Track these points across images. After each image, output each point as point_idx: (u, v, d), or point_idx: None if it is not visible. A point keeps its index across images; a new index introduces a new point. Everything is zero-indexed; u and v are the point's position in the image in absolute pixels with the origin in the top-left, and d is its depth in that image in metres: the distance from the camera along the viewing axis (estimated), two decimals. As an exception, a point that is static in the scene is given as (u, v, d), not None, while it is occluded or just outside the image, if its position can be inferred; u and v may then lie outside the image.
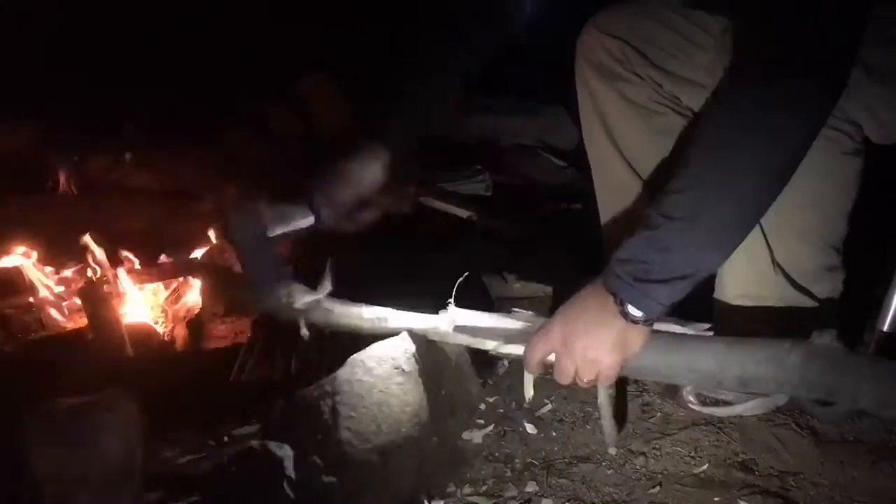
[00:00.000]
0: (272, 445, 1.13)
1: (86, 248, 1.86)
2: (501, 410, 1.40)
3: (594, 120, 1.46)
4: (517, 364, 1.52)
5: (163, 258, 1.98)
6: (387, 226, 2.01)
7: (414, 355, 1.25)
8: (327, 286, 1.28)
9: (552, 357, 1.08)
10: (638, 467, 1.24)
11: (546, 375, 1.11)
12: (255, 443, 1.19)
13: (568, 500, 1.17)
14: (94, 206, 2.02)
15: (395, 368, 1.23)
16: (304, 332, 1.27)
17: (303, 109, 2.91)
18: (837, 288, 1.32)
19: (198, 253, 2.00)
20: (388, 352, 1.25)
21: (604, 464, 1.25)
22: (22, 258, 1.86)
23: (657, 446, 1.28)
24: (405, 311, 1.25)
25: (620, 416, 1.33)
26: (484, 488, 1.21)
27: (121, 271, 1.88)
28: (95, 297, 1.73)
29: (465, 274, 1.21)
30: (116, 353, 1.65)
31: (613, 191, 1.52)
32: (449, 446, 1.27)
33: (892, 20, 1.10)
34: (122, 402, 1.24)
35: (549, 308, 1.74)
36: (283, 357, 1.62)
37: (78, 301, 1.78)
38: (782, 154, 0.95)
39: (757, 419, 1.32)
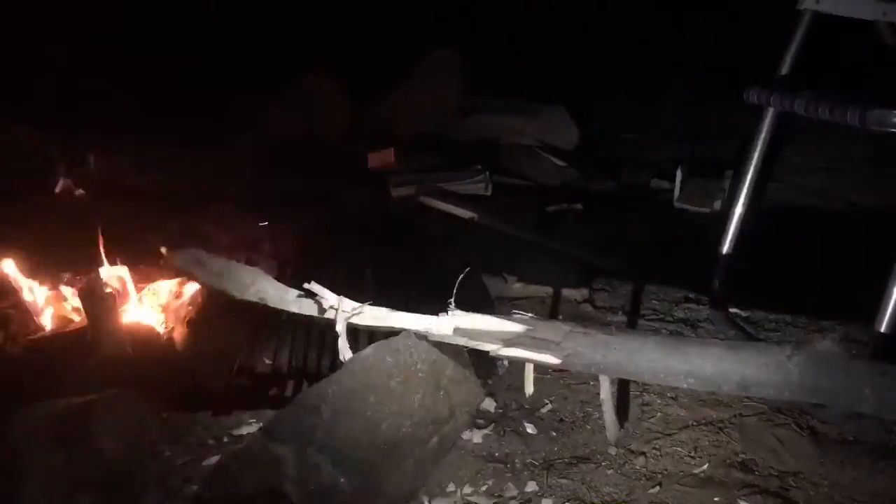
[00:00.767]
0: (272, 445, 1.13)
1: (86, 248, 1.86)
2: (501, 410, 1.40)
3: None
4: (517, 364, 1.52)
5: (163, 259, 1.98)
6: (386, 226, 2.02)
7: (413, 356, 1.25)
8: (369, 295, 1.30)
9: None
10: (638, 467, 1.24)
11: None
12: (255, 443, 1.19)
13: (568, 500, 1.17)
14: (94, 206, 2.01)
15: (395, 369, 1.22)
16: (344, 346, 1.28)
17: (303, 109, 2.91)
18: None
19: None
20: (389, 352, 1.25)
21: (604, 464, 1.25)
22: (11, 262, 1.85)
23: (657, 446, 1.28)
24: (403, 313, 1.26)
25: (622, 413, 1.33)
26: (484, 488, 1.21)
27: (121, 271, 1.88)
28: (95, 297, 1.73)
29: (466, 271, 1.21)
30: (116, 353, 1.65)
31: None
32: (449, 446, 1.27)
33: None
34: (122, 401, 1.24)
35: (549, 307, 1.74)
36: (284, 357, 1.62)
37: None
38: None
39: (757, 419, 1.32)
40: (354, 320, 1.28)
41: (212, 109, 2.63)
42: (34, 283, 1.83)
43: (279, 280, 1.48)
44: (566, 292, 1.77)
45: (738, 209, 1.59)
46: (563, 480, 1.21)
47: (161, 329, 1.83)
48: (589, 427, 1.34)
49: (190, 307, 1.87)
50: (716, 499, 1.16)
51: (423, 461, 1.20)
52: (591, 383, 1.46)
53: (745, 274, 1.64)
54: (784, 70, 1.54)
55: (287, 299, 1.35)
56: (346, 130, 2.89)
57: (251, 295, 1.37)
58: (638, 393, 1.41)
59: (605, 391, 1.17)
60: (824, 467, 1.21)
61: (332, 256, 1.86)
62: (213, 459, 1.25)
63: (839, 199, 2.30)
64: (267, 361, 1.62)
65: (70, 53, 2.49)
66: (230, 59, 2.86)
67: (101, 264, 1.85)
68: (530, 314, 1.21)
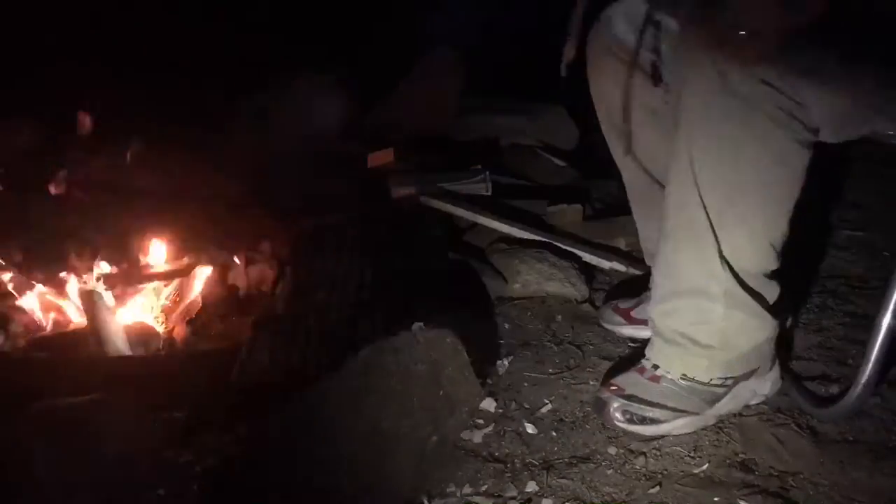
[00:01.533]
0: (272, 446, 1.13)
1: (86, 248, 1.86)
2: (501, 410, 1.39)
3: (608, 127, 1.47)
4: (517, 364, 1.53)
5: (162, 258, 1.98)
6: (386, 226, 2.02)
7: (413, 355, 1.25)
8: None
9: None
10: (638, 467, 1.24)
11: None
12: (254, 443, 1.19)
13: (568, 500, 1.17)
14: (94, 206, 2.01)
15: (395, 368, 1.23)
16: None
17: (302, 109, 2.91)
18: (774, 296, 1.28)
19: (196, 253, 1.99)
20: (387, 351, 1.25)
21: (604, 464, 1.25)
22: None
23: (657, 446, 1.28)
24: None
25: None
26: (484, 488, 1.21)
27: (121, 271, 1.88)
28: (95, 297, 1.73)
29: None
30: (116, 353, 1.65)
31: (635, 194, 1.57)
32: (449, 446, 1.27)
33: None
34: (122, 401, 1.24)
35: (549, 307, 1.74)
36: (284, 357, 1.62)
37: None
38: None
39: (757, 419, 1.32)
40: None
41: (211, 110, 2.63)
42: (34, 283, 1.84)
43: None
44: (566, 292, 1.77)
45: None
46: (563, 480, 1.21)
47: (161, 329, 1.83)
48: (589, 427, 1.34)
49: (190, 307, 1.88)
50: (716, 499, 1.16)
51: (422, 461, 1.20)
52: (591, 383, 1.46)
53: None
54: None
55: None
56: (346, 130, 2.88)
57: None
58: (638, 393, 1.41)
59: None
60: (824, 467, 1.21)
61: (332, 258, 1.86)
62: (214, 459, 1.25)
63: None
64: (266, 361, 1.61)
65: (70, 53, 2.49)
66: (230, 60, 2.86)
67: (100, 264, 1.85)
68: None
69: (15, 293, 1.81)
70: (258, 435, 1.28)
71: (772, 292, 1.27)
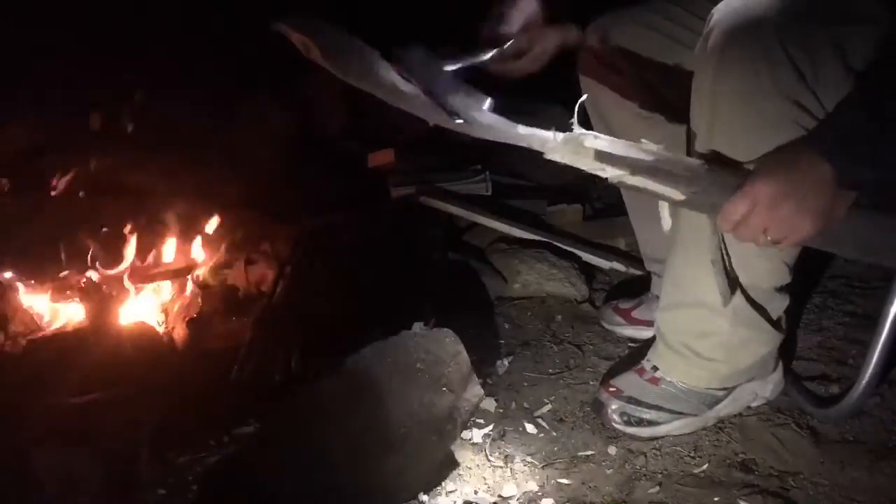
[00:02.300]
0: (271, 445, 1.13)
1: (86, 248, 1.86)
2: (501, 410, 1.40)
3: (603, 132, 1.47)
4: (517, 364, 1.53)
5: (162, 258, 1.98)
6: (385, 226, 2.02)
7: (413, 355, 1.25)
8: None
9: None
10: (638, 467, 1.24)
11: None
12: (254, 443, 1.19)
13: (568, 500, 1.17)
14: (94, 205, 2.01)
15: (394, 368, 1.22)
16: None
17: (303, 109, 2.91)
18: (782, 308, 1.28)
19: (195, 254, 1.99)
20: (388, 352, 1.25)
21: (604, 464, 1.25)
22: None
23: (657, 446, 1.28)
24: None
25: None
26: (484, 488, 1.21)
27: (121, 271, 1.88)
28: (95, 297, 1.73)
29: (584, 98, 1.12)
30: (116, 353, 1.65)
31: (631, 200, 1.56)
32: (449, 446, 1.27)
33: None
34: (123, 401, 1.24)
35: (548, 307, 1.74)
36: (283, 357, 1.62)
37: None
38: None
39: (757, 419, 1.32)
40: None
41: (211, 110, 2.62)
42: (34, 283, 1.83)
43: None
44: (566, 292, 1.77)
45: None
46: (563, 480, 1.21)
47: (161, 329, 1.83)
48: (589, 427, 1.34)
49: (190, 307, 1.87)
50: (716, 499, 1.16)
51: (422, 461, 1.20)
52: (591, 383, 1.46)
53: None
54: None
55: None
56: (346, 130, 2.88)
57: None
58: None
59: (717, 248, 1.15)
60: (824, 467, 1.21)
61: (332, 258, 1.86)
62: (213, 460, 1.25)
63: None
64: (266, 361, 1.61)
65: (69, 52, 2.49)
66: (230, 60, 2.86)
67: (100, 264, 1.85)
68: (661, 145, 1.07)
69: (15, 293, 1.81)
70: (258, 435, 1.28)
71: (780, 305, 1.27)
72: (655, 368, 1.32)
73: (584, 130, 1.09)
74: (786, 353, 1.48)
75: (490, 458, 1.28)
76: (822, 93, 1.05)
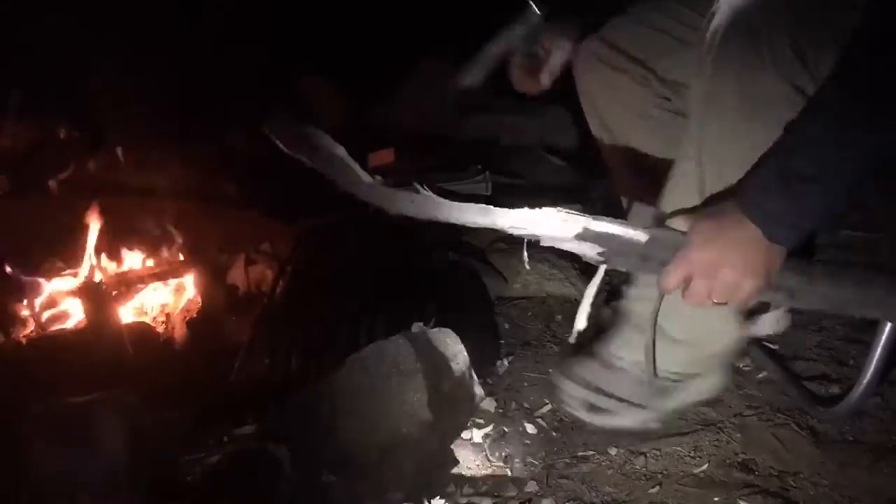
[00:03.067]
0: (271, 445, 1.13)
1: (85, 248, 1.86)
2: (501, 410, 1.40)
3: (602, 133, 1.47)
4: (517, 364, 1.53)
5: (162, 258, 1.98)
6: (386, 226, 2.01)
7: (413, 355, 1.25)
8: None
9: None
10: (638, 467, 1.24)
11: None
12: (253, 443, 1.19)
13: (568, 500, 1.17)
14: (93, 205, 2.01)
15: (395, 368, 1.23)
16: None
17: (303, 109, 2.91)
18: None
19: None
20: (388, 352, 1.25)
21: (604, 464, 1.25)
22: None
23: (657, 446, 1.28)
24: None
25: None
26: (484, 488, 1.21)
27: (121, 271, 1.88)
28: (95, 297, 1.73)
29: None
30: (116, 353, 1.65)
31: (630, 199, 1.54)
32: (449, 446, 1.27)
33: None
34: (122, 402, 1.24)
35: (548, 307, 1.74)
36: (283, 357, 1.62)
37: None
38: None
39: (757, 419, 1.32)
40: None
41: (211, 110, 2.62)
42: (34, 282, 1.84)
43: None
44: (566, 292, 1.77)
45: None
46: (563, 480, 1.21)
47: (161, 329, 1.83)
48: (589, 427, 1.34)
49: (190, 307, 1.88)
50: (716, 499, 1.16)
51: (422, 461, 1.20)
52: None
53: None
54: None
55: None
56: (346, 131, 2.89)
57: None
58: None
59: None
60: (824, 467, 1.21)
61: (332, 258, 1.86)
62: (213, 459, 1.25)
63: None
64: (266, 361, 1.61)
65: (70, 52, 2.49)
66: (230, 60, 2.86)
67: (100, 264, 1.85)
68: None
69: (15, 293, 1.81)
70: (258, 435, 1.28)
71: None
72: (611, 353, 1.30)
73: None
74: (786, 352, 1.49)
75: (490, 458, 1.28)
76: (821, 79, 1.04)
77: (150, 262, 1.96)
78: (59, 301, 1.84)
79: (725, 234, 1.03)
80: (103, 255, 1.88)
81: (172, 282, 1.94)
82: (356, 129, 2.85)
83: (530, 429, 1.34)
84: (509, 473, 1.24)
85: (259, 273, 1.97)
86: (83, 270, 1.85)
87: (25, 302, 1.81)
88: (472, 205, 1.13)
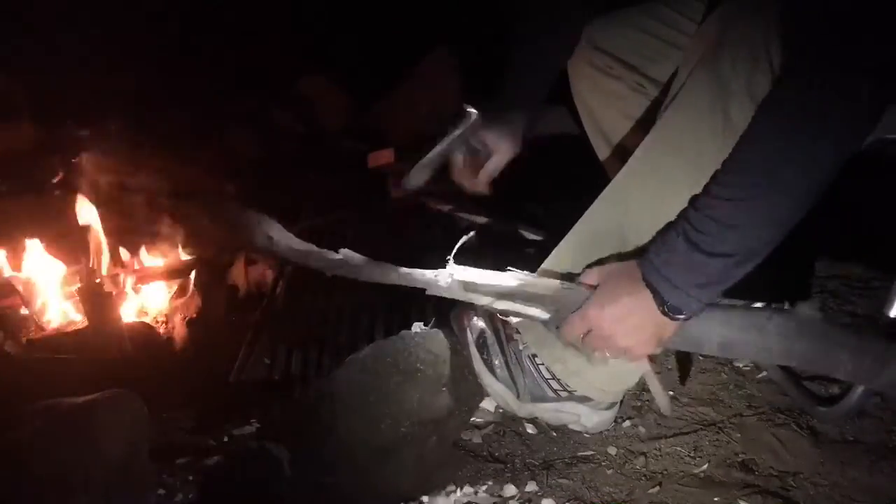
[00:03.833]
0: (271, 445, 1.13)
1: (85, 248, 1.86)
2: (501, 410, 1.40)
3: (597, 137, 1.47)
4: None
5: (163, 258, 1.98)
6: (386, 226, 2.01)
7: (413, 355, 1.25)
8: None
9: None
10: (638, 467, 1.24)
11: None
12: (253, 443, 1.19)
13: (568, 500, 1.17)
14: (93, 205, 2.01)
15: (394, 368, 1.23)
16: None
17: (303, 109, 2.91)
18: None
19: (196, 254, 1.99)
20: (387, 352, 1.25)
21: (604, 464, 1.25)
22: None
23: (657, 446, 1.28)
24: (406, 268, 1.19)
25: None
26: (484, 488, 1.21)
27: (121, 271, 1.88)
28: (95, 297, 1.73)
29: (469, 234, 1.20)
30: (116, 353, 1.65)
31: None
32: (449, 446, 1.27)
33: None
34: (122, 401, 1.24)
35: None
36: (283, 357, 1.62)
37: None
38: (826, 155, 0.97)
39: (757, 419, 1.32)
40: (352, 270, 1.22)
41: (212, 110, 2.63)
42: (34, 282, 1.84)
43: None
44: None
45: None
46: (563, 480, 1.21)
47: (161, 329, 1.83)
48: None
49: (190, 307, 1.88)
50: (716, 499, 1.16)
51: (422, 461, 1.20)
52: (591, 383, 1.46)
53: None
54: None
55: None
56: (345, 130, 2.89)
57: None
58: (637, 392, 1.41)
59: (648, 372, 1.16)
60: (824, 467, 1.21)
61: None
62: (213, 459, 1.25)
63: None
64: (266, 361, 1.62)
65: (69, 52, 2.49)
66: (230, 60, 2.86)
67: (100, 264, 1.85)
68: (526, 272, 1.15)
69: (15, 293, 1.81)
70: (258, 435, 1.28)
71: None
72: (518, 332, 1.30)
73: (455, 267, 1.16)
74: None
75: (490, 458, 1.28)
76: None
77: (150, 262, 1.96)
78: (59, 301, 1.84)
79: (620, 300, 1.04)
80: (103, 255, 1.88)
81: (173, 282, 1.94)
82: (356, 129, 2.85)
83: (530, 429, 1.34)
84: (509, 473, 1.24)
85: (259, 273, 1.97)
86: (83, 270, 1.85)
87: (26, 301, 1.81)
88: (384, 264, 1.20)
